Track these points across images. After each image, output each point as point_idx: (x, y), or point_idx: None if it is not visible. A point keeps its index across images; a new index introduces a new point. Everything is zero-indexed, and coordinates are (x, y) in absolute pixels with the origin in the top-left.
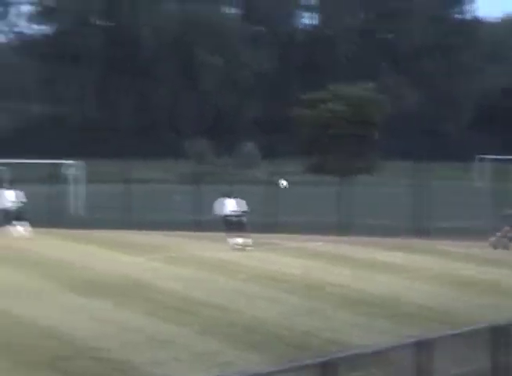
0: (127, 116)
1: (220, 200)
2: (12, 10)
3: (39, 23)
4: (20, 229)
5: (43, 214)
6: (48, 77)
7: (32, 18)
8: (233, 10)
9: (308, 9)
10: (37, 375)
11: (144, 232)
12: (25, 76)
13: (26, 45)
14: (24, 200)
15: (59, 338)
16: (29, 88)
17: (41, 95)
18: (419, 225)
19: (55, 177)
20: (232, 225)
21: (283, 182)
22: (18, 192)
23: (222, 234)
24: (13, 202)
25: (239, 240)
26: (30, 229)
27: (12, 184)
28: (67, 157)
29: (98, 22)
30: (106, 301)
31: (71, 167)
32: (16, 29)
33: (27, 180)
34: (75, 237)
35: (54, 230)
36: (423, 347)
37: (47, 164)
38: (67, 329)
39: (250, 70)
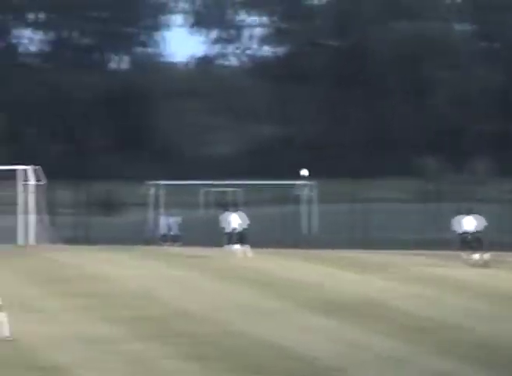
0: (355, 135)
1: (458, 217)
2: (245, 33)
3: (271, 45)
4: (243, 251)
5: (274, 234)
6: (279, 98)
7: (264, 40)
8: (465, 27)
9: None
10: None
11: (375, 251)
12: (256, 98)
13: (258, 68)
14: (248, 222)
15: (294, 358)
16: (260, 110)
17: (271, 116)
18: None
19: (286, 198)
20: (468, 242)
21: (304, 173)
22: (242, 214)
23: (458, 252)
24: (238, 225)
25: (476, 258)
26: (250, 251)
27: (241, 206)
28: (297, 177)
29: (327, 41)
30: (342, 320)
31: (304, 187)
32: (249, 52)
33: (259, 201)
34: (306, 257)
35: (283, 250)
36: None
37: (278, 185)
38: (303, 349)
39: (481, 85)
